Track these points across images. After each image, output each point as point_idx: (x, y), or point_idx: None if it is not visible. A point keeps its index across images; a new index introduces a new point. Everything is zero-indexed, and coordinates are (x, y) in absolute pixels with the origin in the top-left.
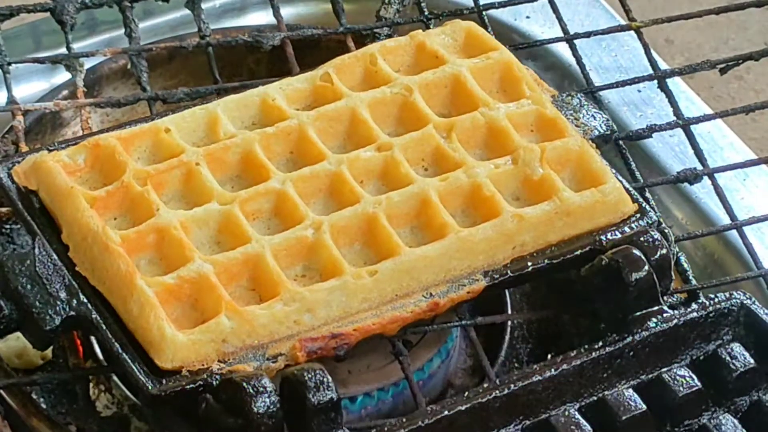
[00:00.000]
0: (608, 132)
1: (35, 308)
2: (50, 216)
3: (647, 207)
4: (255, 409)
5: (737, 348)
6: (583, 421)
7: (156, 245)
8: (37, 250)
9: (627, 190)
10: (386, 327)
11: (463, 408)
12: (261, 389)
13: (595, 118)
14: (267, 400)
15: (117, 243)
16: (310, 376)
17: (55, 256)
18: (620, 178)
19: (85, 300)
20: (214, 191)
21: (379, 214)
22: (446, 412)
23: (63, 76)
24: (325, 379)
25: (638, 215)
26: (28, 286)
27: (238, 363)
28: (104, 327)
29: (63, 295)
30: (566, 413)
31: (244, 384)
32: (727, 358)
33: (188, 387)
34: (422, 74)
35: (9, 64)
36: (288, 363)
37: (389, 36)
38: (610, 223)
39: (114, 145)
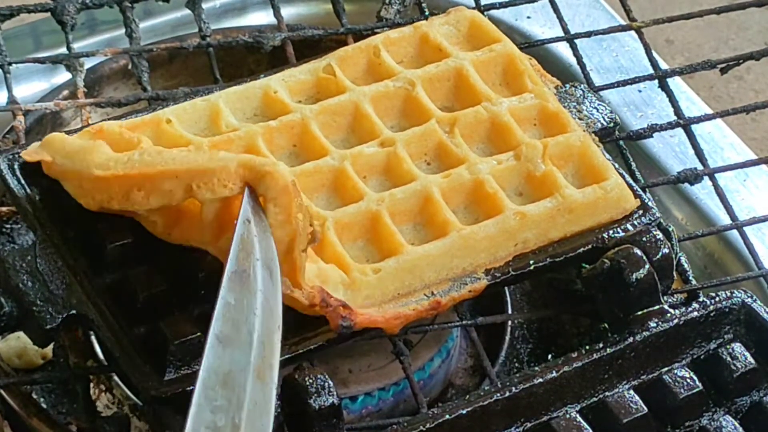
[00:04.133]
0: (611, 125)
1: (36, 306)
2: (51, 210)
3: (650, 203)
4: None
5: (738, 348)
6: (584, 423)
7: None
8: (38, 246)
9: (629, 185)
10: (389, 321)
11: (465, 411)
12: None
13: (598, 111)
14: None
15: None
16: (311, 380)
17: (56, 252)
18: (622, 172)
19: (86, 298)
20: None
21: (382, 212)
22: (447, 416)
23: (63, 76)
24: (326, 384)
25: (641, 211)
26: (29, 283)
27: None
28: (104, 326)
29: (63, 292)
30: (567, 416)
31: None
32: (728, 358)
33: (189, 389)
34: (425, 68)
35: (9, 64)
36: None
37: None
38: (612, 219)
39: (119, 132)
